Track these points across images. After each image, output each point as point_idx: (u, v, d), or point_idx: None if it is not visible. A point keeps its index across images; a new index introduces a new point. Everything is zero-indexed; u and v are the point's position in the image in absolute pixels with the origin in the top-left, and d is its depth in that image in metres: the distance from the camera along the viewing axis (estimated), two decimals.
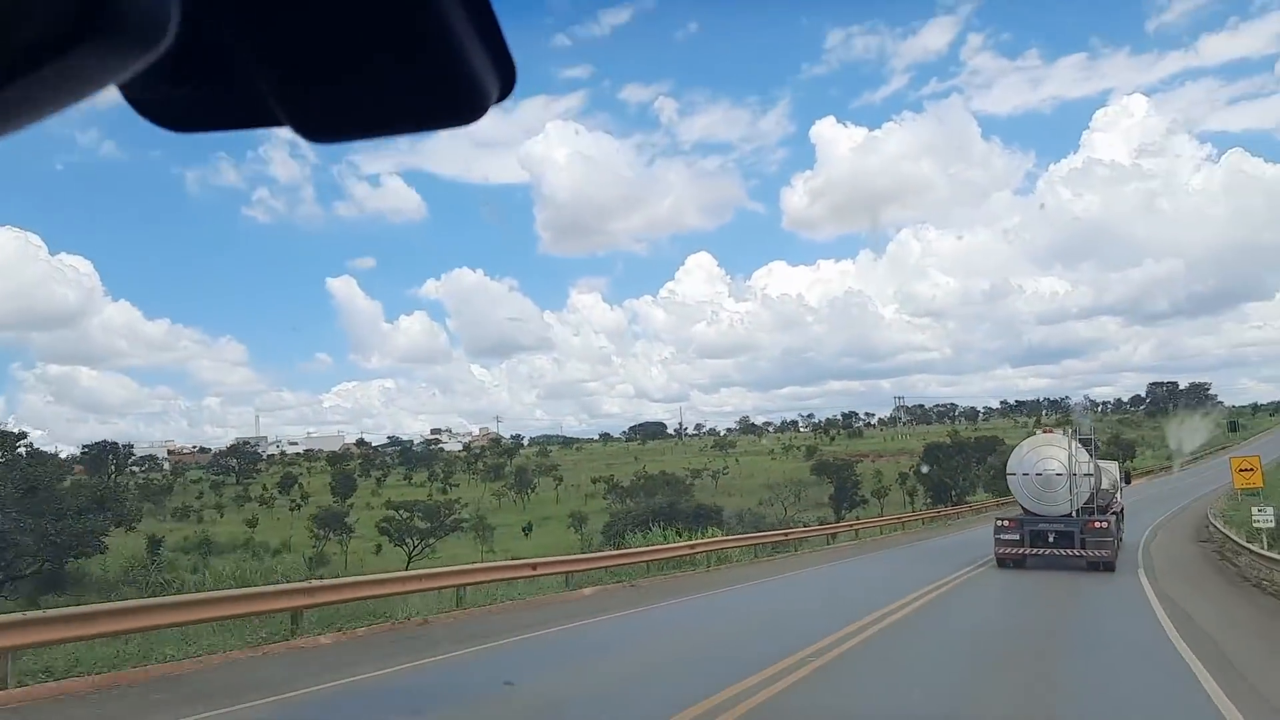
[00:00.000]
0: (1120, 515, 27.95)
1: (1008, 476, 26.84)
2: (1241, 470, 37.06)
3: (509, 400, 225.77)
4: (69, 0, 0.74)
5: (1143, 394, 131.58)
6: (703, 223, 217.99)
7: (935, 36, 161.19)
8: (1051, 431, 26.55)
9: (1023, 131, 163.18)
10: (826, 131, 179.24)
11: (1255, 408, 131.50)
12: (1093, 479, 25.33)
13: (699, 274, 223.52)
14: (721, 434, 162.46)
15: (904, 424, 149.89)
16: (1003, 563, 25.37)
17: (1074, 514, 24.89)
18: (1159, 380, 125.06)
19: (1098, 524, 24.67)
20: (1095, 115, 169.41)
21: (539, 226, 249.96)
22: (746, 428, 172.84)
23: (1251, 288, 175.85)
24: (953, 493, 74.95)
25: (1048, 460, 25.36)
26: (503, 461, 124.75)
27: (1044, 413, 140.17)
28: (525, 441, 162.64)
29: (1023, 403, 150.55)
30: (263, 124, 1.06)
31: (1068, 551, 24.51)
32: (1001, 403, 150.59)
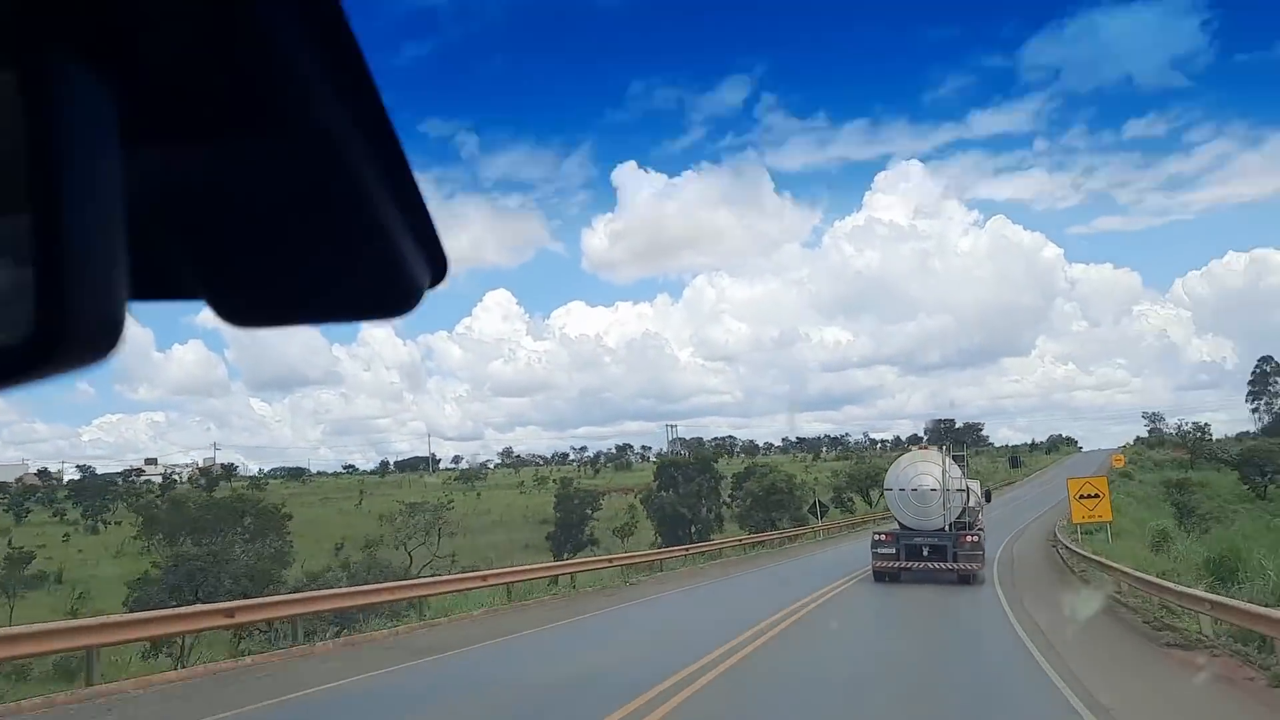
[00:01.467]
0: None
1: (885, 492, 27.77)
2: (1082, 498, 32.63)
3: (291, 435, 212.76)
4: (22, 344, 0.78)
5: (921, 433, 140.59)
6: (502, 260, 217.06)
7: (731, 93, 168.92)
8: (927, 448, 27.62)
9: (812, 188, 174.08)
10: (628, 176, 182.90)
11: (1031, 445, 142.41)
12: (965, 494, 26.49)
13: (497, 311, 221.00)
14: (475, 466, 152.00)
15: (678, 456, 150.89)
16: (879, 576, 26.03)
17: (947, 528, 25.90)
18: (938, 418, 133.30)
19: (969, 538, 25.81)
20: (876, 177, 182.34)
21: None
22: (510, 461, 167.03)
23: (1010, 344, 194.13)
24: (693, 528, 60.50)
25: (923, 476, 26.37)
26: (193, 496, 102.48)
27: (824, 449, 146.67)
28: (259, 473, 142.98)
29: (803, 439, 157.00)
30: (178, 297, 1.04)
31: (941, 565, 25.47)
32: (784, 439, 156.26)
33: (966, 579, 25.30)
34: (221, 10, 0.82)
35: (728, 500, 66.27)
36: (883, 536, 26.69)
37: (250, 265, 1.00)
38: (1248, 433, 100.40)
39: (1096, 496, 33.41)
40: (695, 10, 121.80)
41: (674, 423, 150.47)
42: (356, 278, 1.04)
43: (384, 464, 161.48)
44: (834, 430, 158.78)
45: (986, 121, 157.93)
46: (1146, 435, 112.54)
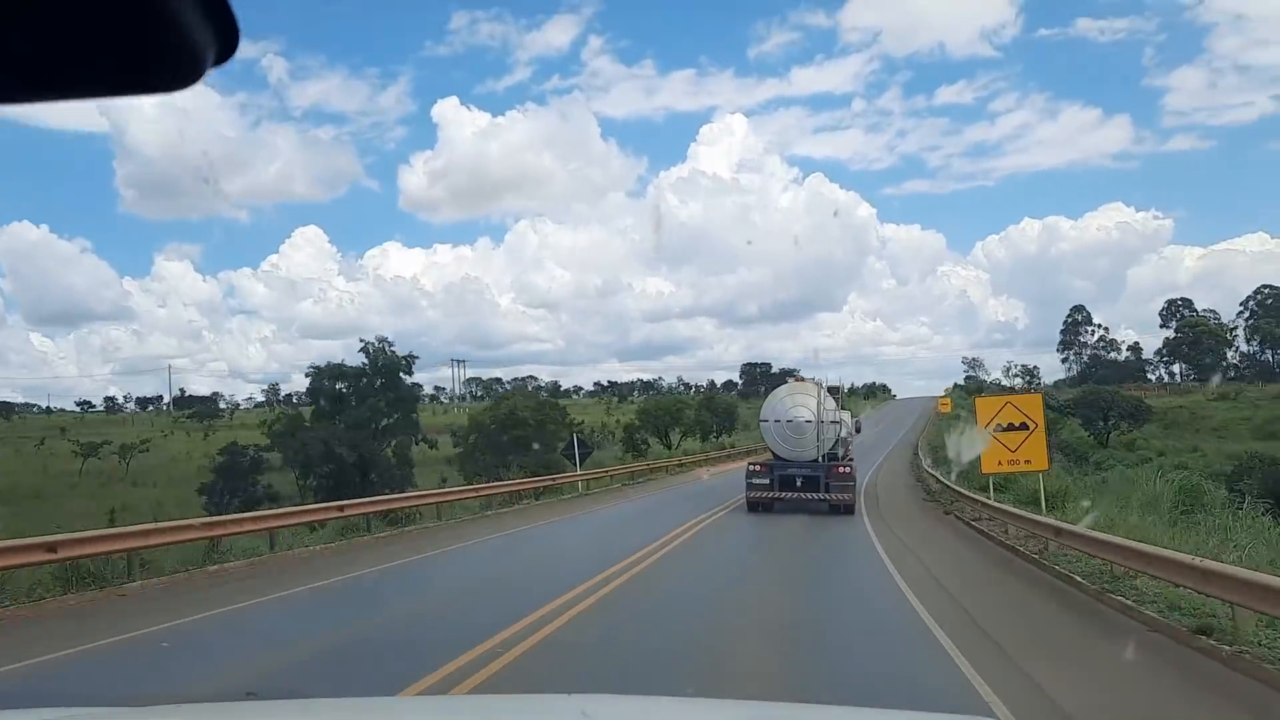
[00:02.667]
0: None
1: (760, 423, 28.06)
2: (1001, 430, 49.30)
3: (76, 373, 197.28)
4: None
5: (736, 379, 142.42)
6: (313, 194, 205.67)
7: (558, 34, 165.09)
8: (802, 380, 27.92)
9: (637, 137, 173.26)
10: (449, 113, 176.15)
11: (851, 389, 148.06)
12: (839, 426, 27.01)
13: (307, 249, 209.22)
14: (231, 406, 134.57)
15: (474, 398, 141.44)
16: (753, 506, 26.35)
17: (820, 459, 26.41)
18: (752, 361, 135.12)
19: (841, 469, 26.45)
20: (701, 130, 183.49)
21: (120, 183, 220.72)
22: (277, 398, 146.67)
23: (825, 299, 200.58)
24: (361, 475, 43.89)
25: (799, 408, 26.76)
26: None
27: (635, 393, 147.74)
28: None
29: (615, 383, 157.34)
30: None
31: (814, 495, 26.04)
32: (595, 383, 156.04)
33: (838, 509, 25.85)
34: None
35: (426, 438, 53.72)
36: (757, 467, 27.02)
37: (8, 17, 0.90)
38: (1063, 380, 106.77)
39: (1025, 428, 21.25)
40: None
41: (462, 360, 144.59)
42: (130, 44, 0.94)
43: (110, 400, 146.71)
44: (651, 379, 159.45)
45: (808, 79, 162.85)
46: (964, 382, 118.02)
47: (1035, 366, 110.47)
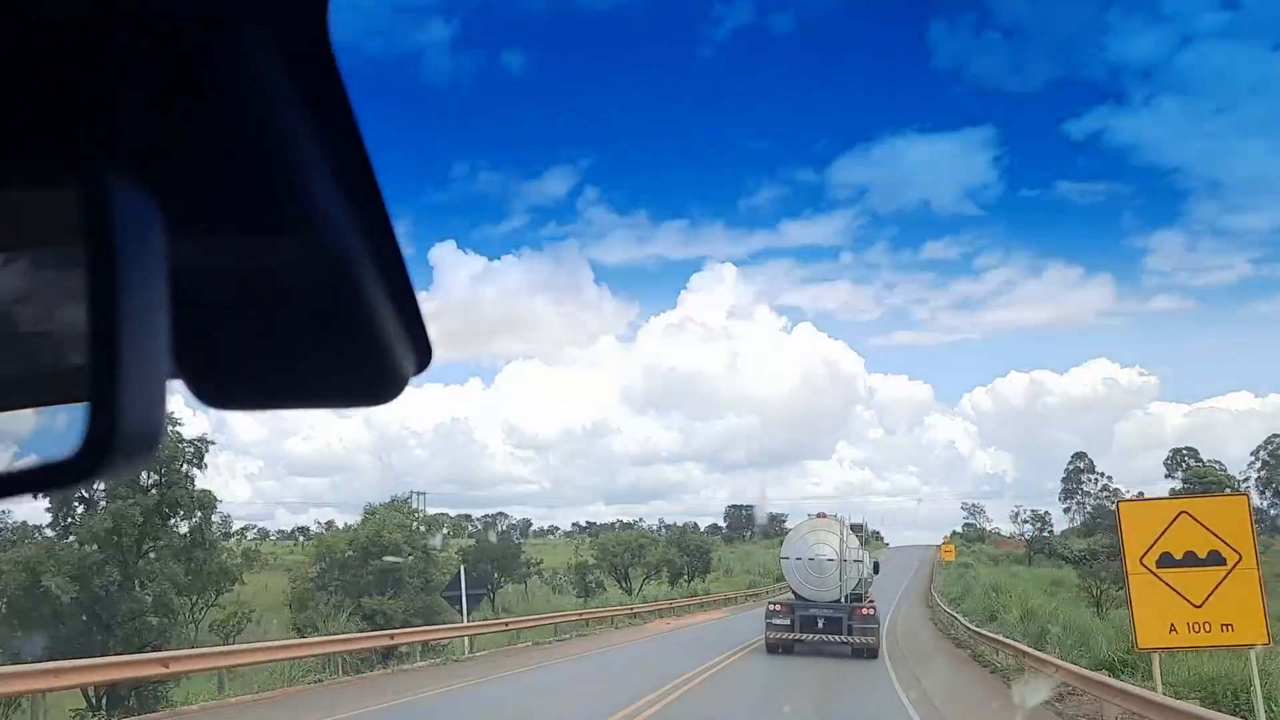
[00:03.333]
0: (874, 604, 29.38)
1: (781, 560, 27.33)
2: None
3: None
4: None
5: (720, 523, 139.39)
6: None
7: (555, 183, 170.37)
8: (825, 517, 27.31)
9: (629, 283, 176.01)
10: (446, 256, 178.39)
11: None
12: (861, 565, 26.34)
13: None
14: None
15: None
16: (773, 648, 25.40)
17: (843, 599, 25.61)
18: (737, 504, 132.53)
19: (865, 610, 25.60)
20: (692, 277, 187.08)
21: None
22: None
23: (813, 447, 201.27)
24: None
25: (821, 545, 26.05)
26: None
27: (616, 529, 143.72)
28: None
29: (593, 524, 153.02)
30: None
31: (836, 638, 25.11)
32: (574, 524, 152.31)
33: (861, 653, 24.94)
34: (242, 116, 0.86)
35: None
36: (778, 607, 26.20)
37: (232, 348, 1.00)
38: (1069, 530, 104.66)
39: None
40: (522, 98, 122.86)
41: (422, 492, 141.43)
42: (343, 365, 1.04)
43: None
44: (632, 520, 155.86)
45: (797, 232, 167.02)
46: (962, 530, 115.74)
47: (1046, 512, 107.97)
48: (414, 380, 1.08)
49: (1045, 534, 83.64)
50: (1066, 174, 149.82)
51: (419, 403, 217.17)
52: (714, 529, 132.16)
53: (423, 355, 1.07)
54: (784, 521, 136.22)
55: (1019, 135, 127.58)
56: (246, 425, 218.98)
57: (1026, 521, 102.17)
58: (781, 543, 27.81)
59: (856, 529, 27.12)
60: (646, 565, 58.94)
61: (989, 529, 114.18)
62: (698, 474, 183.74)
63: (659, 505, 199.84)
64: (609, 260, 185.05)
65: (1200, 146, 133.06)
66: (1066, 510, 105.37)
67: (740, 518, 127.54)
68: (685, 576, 61.56)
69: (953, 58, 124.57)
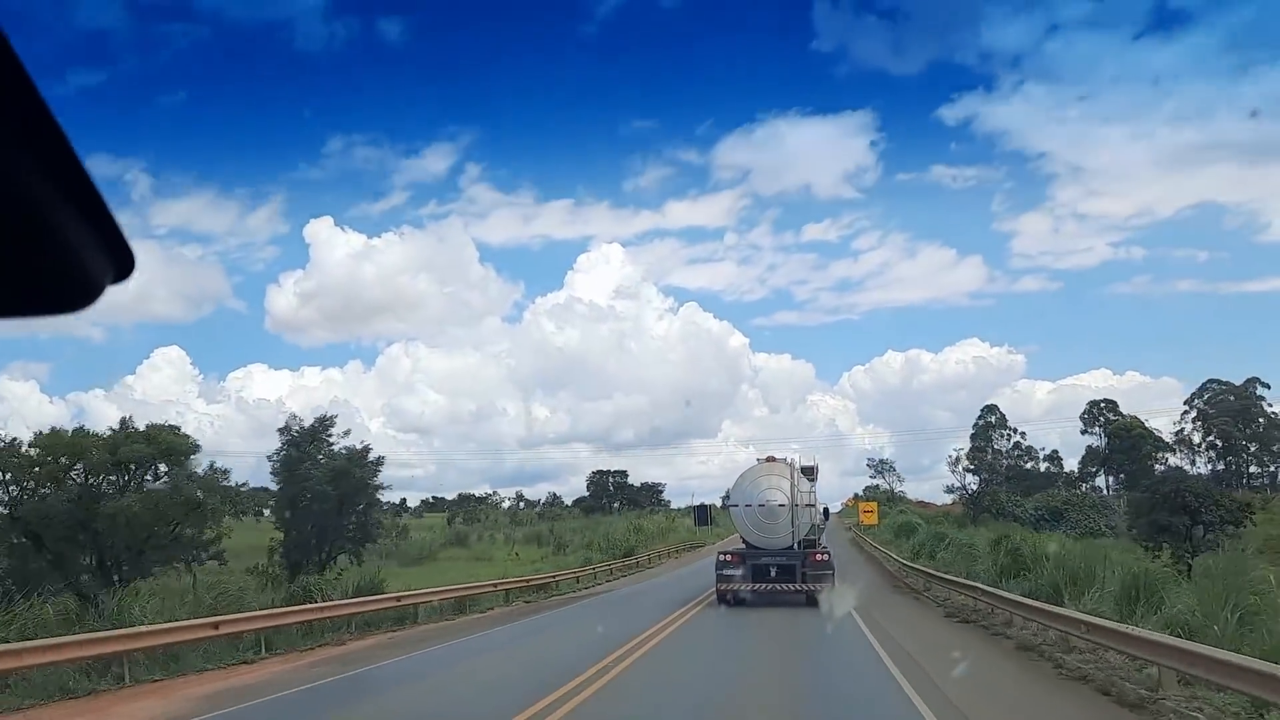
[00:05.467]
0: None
1: (730, 508, 26.38)
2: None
3: None
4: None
5: (585, 493, 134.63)
6: (175, 313, 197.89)
7: (436, 160, 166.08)
8: (775, 460, 26.27)
9: (514, 263, 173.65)
10: (322, 233, 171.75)
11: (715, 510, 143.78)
12: (814, 510, 25.53)
13: (167, 370, 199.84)
14: None
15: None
16: (724, 599, 24.48)
17: (795, 546, 24.87)
18: (603, 469, 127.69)
19: (819, 556, 25.01)
20: (579, 257, 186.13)
21: None
22: None
23: (699, 427, 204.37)
24: None
25: (772, 491, 25.31)
26: None
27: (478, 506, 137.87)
28: None
29: (441, 499, 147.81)
30: None
31: (789, 586, 24.42)
32: (422, 500, 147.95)
33: (814, 600, 24.16)
34: None
35: None
36: (728, 557, 25.32)
37: None
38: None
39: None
40: (400, 71, 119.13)
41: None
42: (22, 274, 1.05)
43: None
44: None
45: (683, 213, 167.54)
46: (862, 494, 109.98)
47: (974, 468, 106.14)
48: (116, 289, 1.12)
49: (981, 492, 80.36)
50: (941, 158, 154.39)
51: (297, 385, 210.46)
52: (581, 501, 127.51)
53: (122, 264, 1.09)
54: (660, 491, 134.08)
55: (896, 119, 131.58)
56: (108, 411, 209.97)
57: (969, 471, 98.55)
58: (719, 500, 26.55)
59: (808, 472, 26.16)
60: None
61: (897, 490, 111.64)
62: (585, 454, 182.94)
63: (544, 488, 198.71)
64: (493, 239, 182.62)
65: (1064, 133, 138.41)
66: (971, 471, 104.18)
67: (608, 484, 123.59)
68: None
69: (835, 39, 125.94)
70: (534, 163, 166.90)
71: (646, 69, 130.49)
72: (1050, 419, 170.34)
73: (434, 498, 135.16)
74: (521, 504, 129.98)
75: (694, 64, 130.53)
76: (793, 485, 25.20)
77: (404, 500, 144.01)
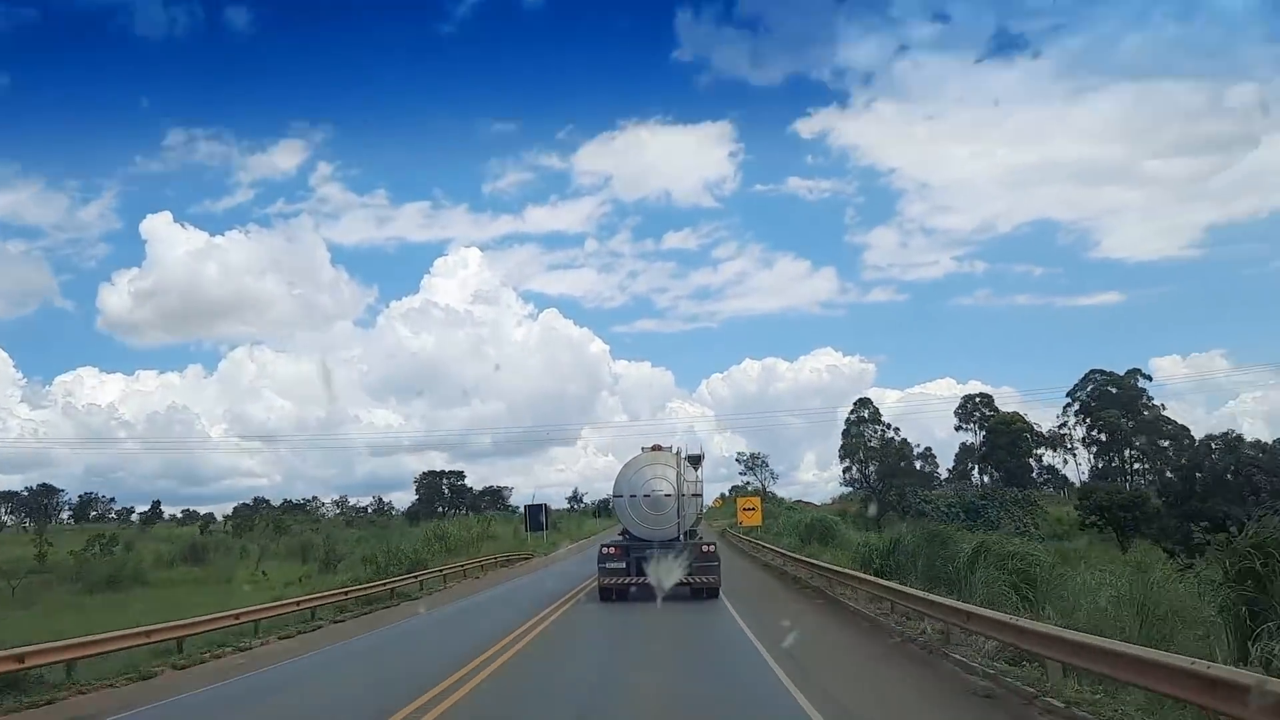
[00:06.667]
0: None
1: (614, 499, 25.47)
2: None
3: None
4: None
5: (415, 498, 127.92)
6: None
7: (285, 157, 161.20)
8: (660, 449, 25.39)
9: (368, 266, 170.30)
10: (161, 229, 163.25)
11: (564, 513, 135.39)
12: (700, 499, 24.81)
13: None
14: None
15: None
16: (606, 594, 23.56)
17: (681, 537, 24.11)
18: (434, 470, 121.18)
19: (705, 547, 24.38)
20: (436, 261, 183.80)
21: None
22: None
23: (559, 434, 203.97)
24: None
25: (657, 480, 24.58)
26: None
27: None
28: None
29: (265, 501, 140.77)
30: None
31: (675, 579, 23.46)
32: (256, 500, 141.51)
33: (700, 592, 23.54)
34: None
35: None
36: (611, 550, 24.49)
37: None
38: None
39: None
40: (247, 63, 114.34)
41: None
42: None
43: None
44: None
45: (543, 218, 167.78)
46: (729, 494, 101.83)
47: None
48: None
49: (885, 487, 77.70)
50: (797, 171, 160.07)
51: (131, 390, 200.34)
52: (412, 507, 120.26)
53: None
54: (506, 496, 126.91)
55: (755, 131, 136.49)
56: None
57: (857, 465, 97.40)
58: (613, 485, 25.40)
59: (694, 460, 25.33)
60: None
61: (769, 489, 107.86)
62: (440, 462, 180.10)
63: (398, 496, 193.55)
64: (346, 241, 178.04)
65: (913, 150, 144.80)
66: (846, 469, 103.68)
67: (439, 486, 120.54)
68: None
69: (696, 49, 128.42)
70: (389, 163, 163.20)
71: (506, 72, 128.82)
72: (902, 423, 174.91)
73: (256, 501, 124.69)
74: (337, 510, 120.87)
75: (555, 68, 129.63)
76: (678, 474, 24.42)
77: (157, 504, 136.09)
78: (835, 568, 25.86)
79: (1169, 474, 75.78)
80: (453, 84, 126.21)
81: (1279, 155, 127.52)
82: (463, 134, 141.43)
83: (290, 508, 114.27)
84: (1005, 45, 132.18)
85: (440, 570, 36.46)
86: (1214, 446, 64.39)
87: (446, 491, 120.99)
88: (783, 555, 37.04)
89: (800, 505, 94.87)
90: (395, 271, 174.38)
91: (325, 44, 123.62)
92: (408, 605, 27.85)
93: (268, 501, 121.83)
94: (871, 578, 21.59)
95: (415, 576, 33.07)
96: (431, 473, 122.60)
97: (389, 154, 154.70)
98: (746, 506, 58.07)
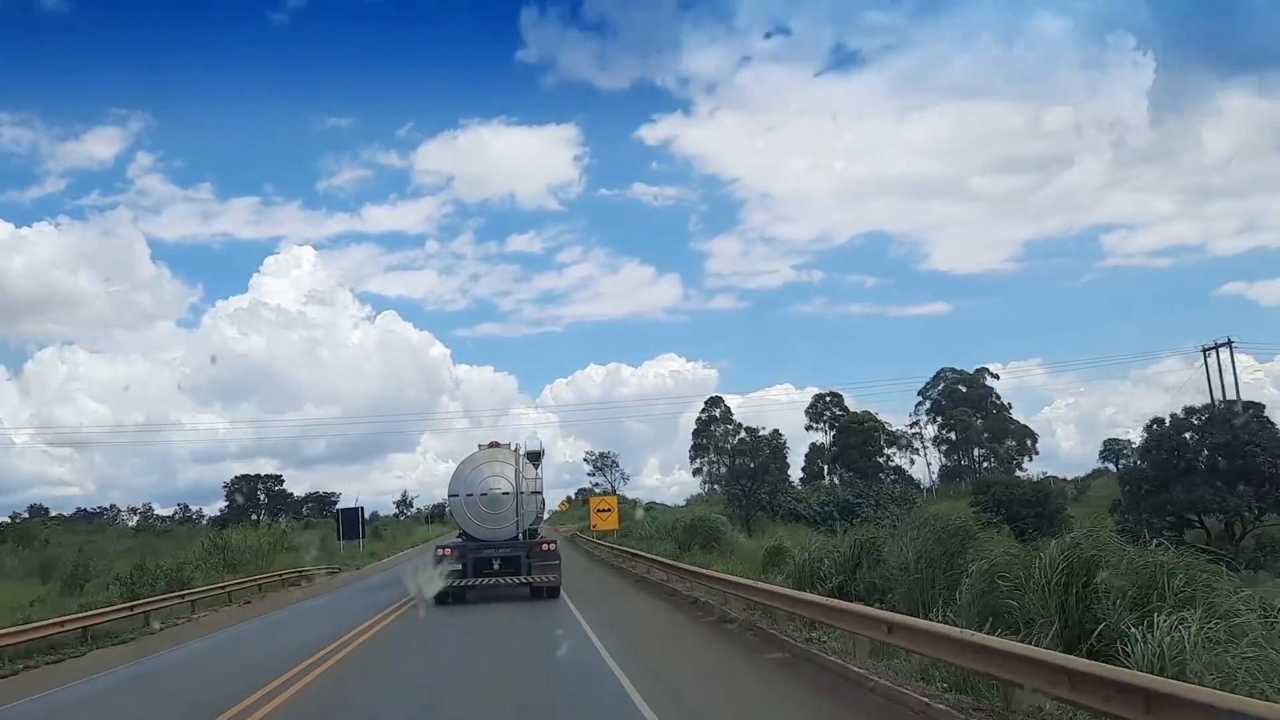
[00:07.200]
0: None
1: (449, 498, 24.83)
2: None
3: None
4: None
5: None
6: None
7: (101, 146, 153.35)
8: (498, 445, 24.76)
9: (192, 263, 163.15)
10: None
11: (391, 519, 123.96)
12: (539, 496, 24.42)
13: None
14: None
15: None
16: (442, 598, 22.88)
17: (520, 537, 23.74)
18: (246, 474, 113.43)
19: (545, 546, 24.11)
20: (266, 260, 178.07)
21: None
22: None
23: (397, 439, 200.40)
24: None
25: (495, 479, 24.18)
26: None
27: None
28: None
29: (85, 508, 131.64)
30: None
31: (514, 579, 23.36)
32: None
33: (540, 592, 23.14)
34: None
35: None
36: (446, 551, 23.89)
37: None
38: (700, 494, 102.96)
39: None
40: (58, 43, 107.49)
41: None
42: None
43: None
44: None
45: (381, 217, 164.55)
46: (575, 496, 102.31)
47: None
48: None
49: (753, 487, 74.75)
50: (642, 177, 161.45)
51: None
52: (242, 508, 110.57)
53: None
54: (334, 502, 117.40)
55: (600, 135, 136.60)
56: None
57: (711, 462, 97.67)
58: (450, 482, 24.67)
59: (533, 457, 24.86)
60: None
61: (619, 490, 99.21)
62: (270, 470, 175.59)
63: (220, 506, 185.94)
64: (168, 236, 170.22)
65: (755, 161, 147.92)
66: (696, 470, 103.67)
67: (252, 493, 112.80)
68: None
69: (542, 50, 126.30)
70: (216, 156, 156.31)
71: (342, 65, 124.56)
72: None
73: (33, 509, 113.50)
74: (136, 520, 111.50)
75: (395, 63, 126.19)
76: (517, 472, 24.01)
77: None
78: (781, 590, 16.47)
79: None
80: (285, 76, 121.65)
81: (1091, 175, 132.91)
82: (296, 128, 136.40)
83: (85, 516, 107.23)
84: (843, 60, 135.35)
85: (207, 590, 28.77)
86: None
87: (264, 498, 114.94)
88: (667, 567, 27.15)
89: (659, 507, 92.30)
90: (222, 269, 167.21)
91: (147, 27, 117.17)
92: (99, 653, 19.26)
93: (46, 510, 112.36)
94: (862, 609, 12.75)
95: (150, 604, 24.00)
96: (244, 477, 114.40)
97: (216, 146, 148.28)
98: (601, 508, 52.25)
